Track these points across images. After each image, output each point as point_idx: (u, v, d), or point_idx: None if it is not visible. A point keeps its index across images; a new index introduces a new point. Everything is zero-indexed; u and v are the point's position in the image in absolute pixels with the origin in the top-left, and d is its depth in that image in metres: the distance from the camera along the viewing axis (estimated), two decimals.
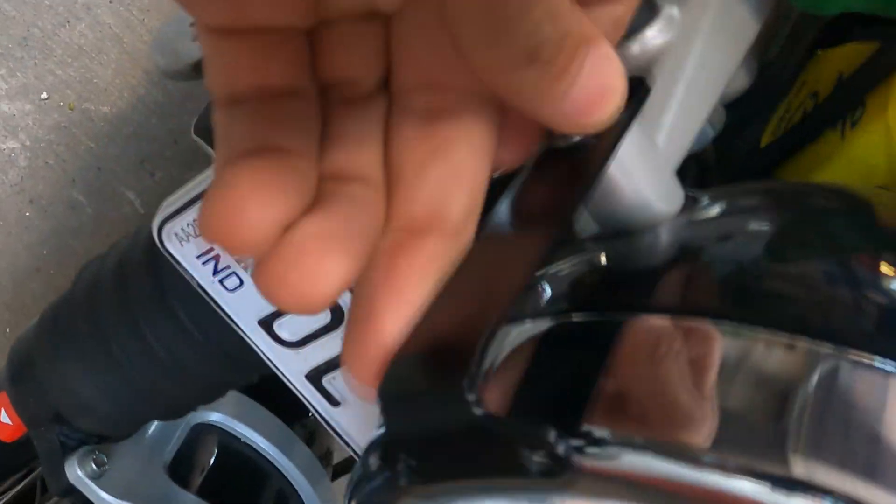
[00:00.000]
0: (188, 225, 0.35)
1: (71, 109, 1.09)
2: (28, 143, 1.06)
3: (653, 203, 0.25)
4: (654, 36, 0.28)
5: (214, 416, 0.55)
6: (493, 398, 0.23)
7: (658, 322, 0.23)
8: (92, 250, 1.13)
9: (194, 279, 0.36)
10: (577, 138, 0.24)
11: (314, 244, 0.18)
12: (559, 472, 0.18)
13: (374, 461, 0.26)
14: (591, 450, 0.19)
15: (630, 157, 0.25)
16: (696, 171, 0.36)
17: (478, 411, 0.17)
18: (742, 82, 0.34)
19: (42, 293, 1.07)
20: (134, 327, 0.44)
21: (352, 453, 0.40)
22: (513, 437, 0.18)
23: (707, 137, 0.34)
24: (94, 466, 0.47)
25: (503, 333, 0.25)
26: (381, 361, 0.18)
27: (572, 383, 0.22)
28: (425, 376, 0.18)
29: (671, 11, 0.29)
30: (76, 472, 0.47)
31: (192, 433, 0.54)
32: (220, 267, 0.36)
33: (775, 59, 0.36)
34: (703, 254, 0.24)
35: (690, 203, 0.26)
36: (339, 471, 0.69)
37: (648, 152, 0.25)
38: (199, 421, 0.55)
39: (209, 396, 0.49)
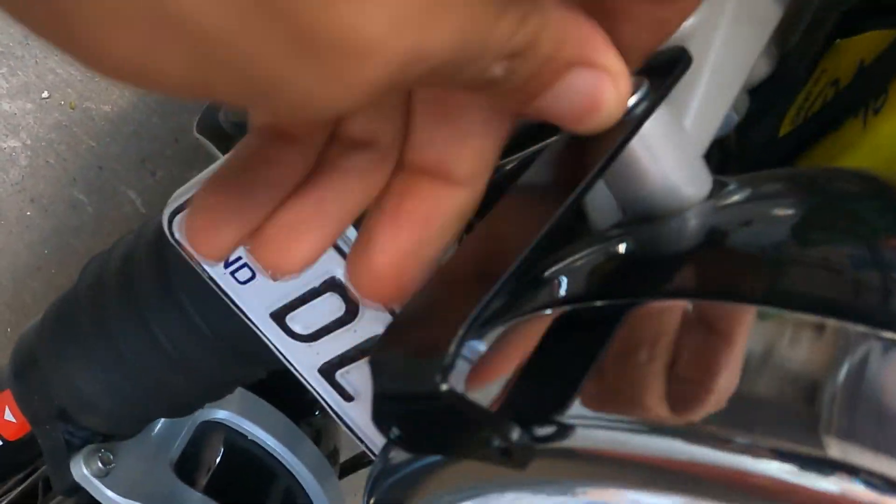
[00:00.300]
0: None
1: (72, 108, 1.08)
2: (29, 141, 1.05)
3: (681, 187, 0.25)
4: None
5: (221, 414, 0.55)
6: (490, 379, 0.23)
7: (670, 304, 0.23)
8: (93, 249, 1.12)
9: (205, 271, 0.36)
10: None
11: (282, 232, 0.21)
12: (516, 455, 0.20)
13: (394, 455, 0.25)
14: (545, 432, 0.21)
15: (657, 139, 0.24)
16: (718, 158, 0.36)
17: (445, 399, 0.19)
18: (763, 70, 0.34)
19: (43, 292, 1.06)
20: (140, 322, 0.43)
21: (364, 449, 0.39)
22: (477, 422, 0.20)
23: (732, 122, 0.33)
24: (100, 465, 0.46)
25: (514, 324, 0.25)
26: (377, 284, 0.21)
27: (577, 366, 0.22)
28: (411, 357, 0.20)
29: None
30: (82, 471, 0.46)
31: (198, 431, 0.54)
32: (231, 259, 0.35)
33: (795, 48, 0.36)
34: (731, 238, 0.24)
35: (718, 187, 0.26)
36: (346, 469, 0.68)
37: (676, 135, 0.25)
38: (205, 419, 0.54)
39: (217, 393, 0.48)
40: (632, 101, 0.23)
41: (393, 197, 0.22)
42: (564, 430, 0.20)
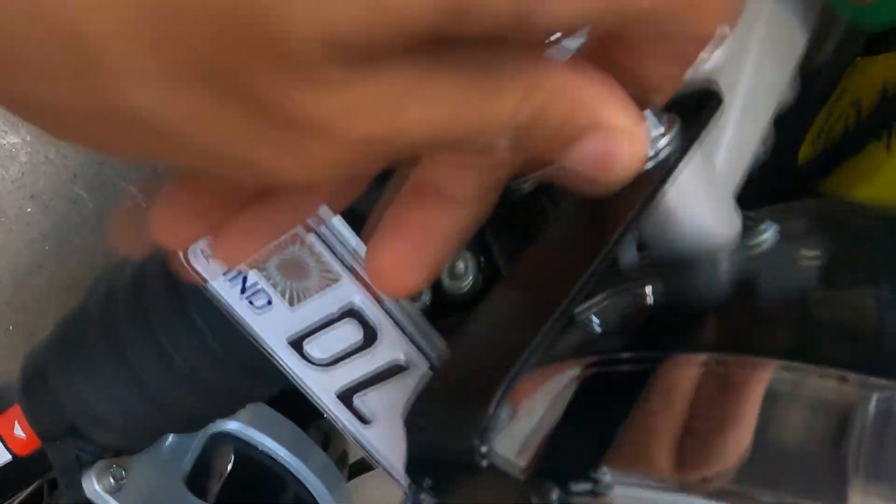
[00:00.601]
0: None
1: None
2: (28, 138, 1.04)
3: (712, 230, 0.24)
4: (708, 54, 0.27)
5: (231, 425, 0.54)
6: (522, 441, 0.23)
7: (697, 359, 0.23)
8: (94, 246, 1.12)
9: (221, 299, 0.35)
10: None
11: (228, 239, 0.22)
12: None
13: (424, 499, 0.25)
14: (581, 489, 0.21)
15: (688, 182, 0.24)
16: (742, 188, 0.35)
17: (485, 463, 0.19)
18: (789, 95, 0.33)
19: (44, 290, 1.06)
20: (151, 340, 0.43)
21: (384, 470, 0.39)
22: (515, 482, 0.20)
23: (760, 157, 0.33)
24: (111, 480, 0.46)
25: (542, 373, 0.25)
26: (383, 281, 0.22)
27: (609, 421, 0.22)
28: (450, 411, 0.20)
29: (724, 28, 0.28)
30: (94, 487, 0.46)
31: (208, 443, 0.53)
32: (247, 285, 0.35)
33: (820, 70, 0.36)
34: (759, 288, 0.24)
35: (749, 227, 0.26)
36: (354, 471, 0.69)
37: (707, 175, 0.24)
38: (215, 430, 0.54)
39: (228, 410, 0.48)
40: (662, 143, 0.23)
41: (400, 206, 0.23)
42: (601, 486, 0.20)
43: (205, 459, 0.53)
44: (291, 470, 0.58)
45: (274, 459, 0.57)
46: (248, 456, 0.56)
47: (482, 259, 0.37)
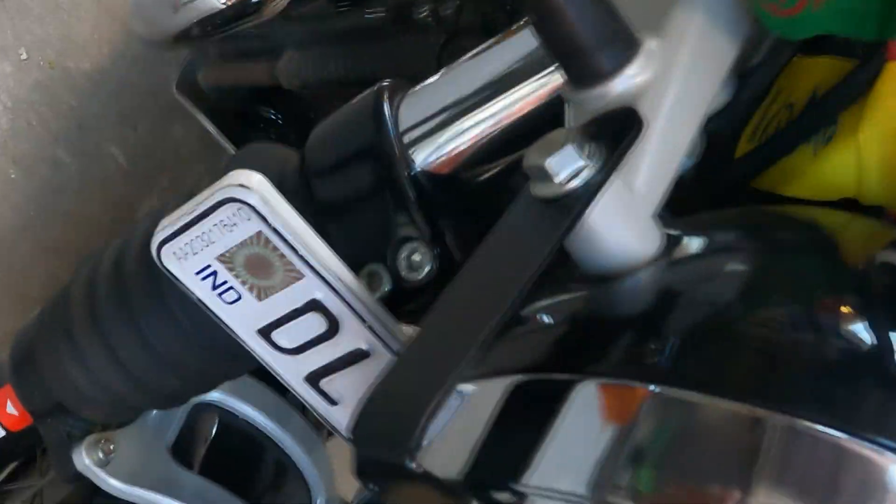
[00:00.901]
0: (185, 244, 0.36)
1: (51, 67, 1.08)
2: (10, 104, 1.05)
3: (631, 247, 0.27)
4: (634, 73, 0.29)
5: (213, 395, 0.57)
6: (458, 448, 0.26)
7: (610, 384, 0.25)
8: (78, 208, 1.14)
9: (194, 294, 0.38)
10: (563, 188, 0.25)
11: None
12: None
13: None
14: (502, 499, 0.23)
15: (607, 203, 0.26)
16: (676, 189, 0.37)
17: (420, 471, 0.22)
18: (721, 99, 0.35)
19: (31, 254, 1.08)
20: (132, 324, 0.45)
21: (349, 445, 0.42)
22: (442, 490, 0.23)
23: (684, 168, 0.35)
24: (101, 454, 0.49)
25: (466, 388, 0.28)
26: None
27: (532, 437, 0.25)
28: (386, 425, 0.23)
29: (651, 46, 0.30)
30: (83, 461, 0.49)
31: (192, 414, 0.56)
32: (218, 282, 0.37)
33: (754, 72, 0.37)
34: (674, 306, 0.26)
35: (670, 242, 0.28)
36: (332, 434, 0.72)
37: (625, 197, 0.27)
38: (198, 401, 0.56)
39: (208, 387, 0.50)
40: (585, 174, 0.25)
41: None
42: (519, 498, 0.23)
43: (189, 429, 0.56)
44: (272, 436, 0.61)
45: (255, 427, 0.61)
46: (231, 425, 0.59)
47: (437, 250, 0.40)
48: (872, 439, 0.21)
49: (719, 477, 0.22)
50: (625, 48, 0.29)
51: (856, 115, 0.33)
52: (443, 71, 0.42)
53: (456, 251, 0.40)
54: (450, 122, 0.41)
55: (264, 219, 0.35)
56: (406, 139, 0.41)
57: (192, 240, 0.36)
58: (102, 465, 0.49)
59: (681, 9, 0.31)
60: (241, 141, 1.04)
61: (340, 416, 0.41)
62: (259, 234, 0.35)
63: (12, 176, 1.06)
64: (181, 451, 0.55)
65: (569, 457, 0.23)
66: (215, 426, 0.58)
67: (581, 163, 0.25)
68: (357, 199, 0.41)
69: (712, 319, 0.25)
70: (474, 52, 0.41)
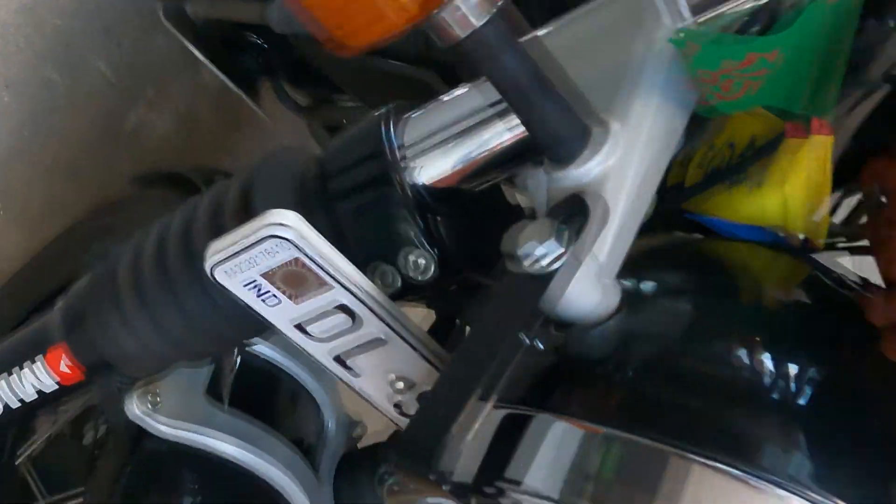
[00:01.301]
0: (235, 265, 0.44)
1: None
2: None
3: (592, 310, 0.35)
4: (602, 160, 0.36)
5: None
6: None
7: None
8: (71, 125, 1.18)
9: (242, 300, 0.46)
10: (529, 270, 0.34)
11: None
12: None
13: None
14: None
15: (578, 276, 0.34)
16: None
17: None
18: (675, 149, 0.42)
19: (28, 174, 1.13)
20: (174, 299, 0.53)
21: (367, 401, 0.52)
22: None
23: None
24: (148, 404, 0.58)
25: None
26: None
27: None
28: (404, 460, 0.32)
29: (615, 128, 0.37)
30: (135, 411, 0.58)
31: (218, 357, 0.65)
32: (261, 292, 0.45)
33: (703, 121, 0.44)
34: (622, 361, 0.35)
35: (626, 298, 0.36)
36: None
37: (590, 269, 0.35)
38: None
39: (233, 347, 0.59)
40: (561, 260, 0.33)
41: None
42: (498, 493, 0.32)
43: (217, 371, 0.65)
44: (285, 368, 0.70)
45: (269, 361, 0.70)
46: (251, 363, 0.68)
47: (436, 253, 0.48)
48: (771, 478, 0.29)
49: None
50: (591, 140, 0.36)
51: (783, 169, 0.41)
52: (442, 95, 0.49)
53: (454, 254, 0.49)
54: (447, 141, 0.48)
55: (301, 249, 0.42)
56: (406, 154, 0.48)
57: (240, 262, 0.44)
58: (151, 412, 0.58)
59: (639, 94, 0.37)
60: (227, 65, 1.08)
61: (362, 384, 0.50)
62: (297, 259, 0.43)
63: (6, 100, 1.10)
64: (212, 390, 0.64)
65: (544, 470, 0.32)
66: (237, 365, 0.67)
67: (541, 251, 0.33)
68: (364, 206, 0.49)
69: (647, 364, 0.34)
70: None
